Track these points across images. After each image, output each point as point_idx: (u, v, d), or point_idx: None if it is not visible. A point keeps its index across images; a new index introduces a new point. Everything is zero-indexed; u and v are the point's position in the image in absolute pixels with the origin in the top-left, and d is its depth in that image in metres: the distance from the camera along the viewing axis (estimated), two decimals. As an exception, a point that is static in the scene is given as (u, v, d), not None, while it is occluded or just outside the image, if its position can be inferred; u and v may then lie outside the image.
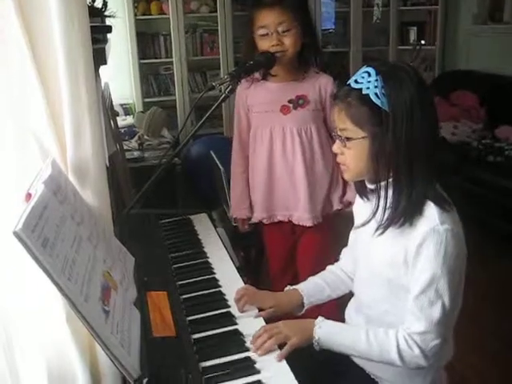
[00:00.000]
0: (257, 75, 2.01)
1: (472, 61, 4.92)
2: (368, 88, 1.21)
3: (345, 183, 2.09)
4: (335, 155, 1.34)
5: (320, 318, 1.29)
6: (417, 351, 1.20)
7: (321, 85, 2.01)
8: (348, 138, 1.26)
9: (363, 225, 1.34)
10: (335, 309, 2.13)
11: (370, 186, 1.33)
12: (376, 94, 1.20)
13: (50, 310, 1.10)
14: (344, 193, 2.11)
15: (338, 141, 1.30)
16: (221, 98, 1.73)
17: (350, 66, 5.23)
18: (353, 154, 1.27)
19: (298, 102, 2.00)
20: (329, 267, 1.61)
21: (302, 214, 2.06)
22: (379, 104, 1.20)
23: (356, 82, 1.24)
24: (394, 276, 1.29)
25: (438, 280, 1.19)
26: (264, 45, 1.91)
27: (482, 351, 2.49)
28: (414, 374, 1.34)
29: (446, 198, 1.25)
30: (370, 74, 1.22)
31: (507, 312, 2.78)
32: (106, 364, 1.12)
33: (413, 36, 5.26)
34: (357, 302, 1.49)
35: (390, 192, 1.25)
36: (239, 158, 2.15)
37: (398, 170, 1.22)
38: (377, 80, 1.20)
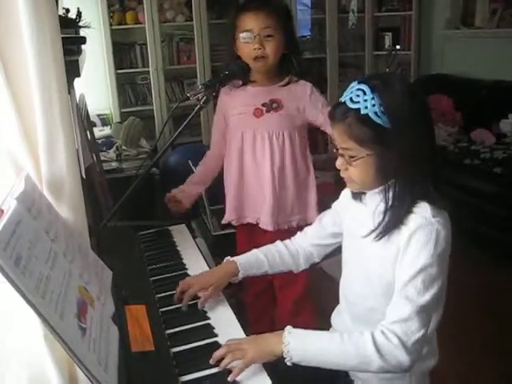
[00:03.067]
0: (236, 82, 2.02)
1: (446, 65, 4.99)
2: (366, 108, 1.19)
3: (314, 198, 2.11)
4: (338, 170, 1.33)
5: (289, 326, 1.24)
6: (395, 341, 1.15)
7: (298, 91, 2.02)
8: (352, 157, 1.25)
9: (368, 235, 1.31)
10: (312, 319, 2.15)
11: (370, 192, 1.33)
12: (375, 112, 1.19)
13: (29, 326, 1.08)
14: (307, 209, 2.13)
15: (340, 157, 1.29)
16: (196, 109, 1.73)
17: (326, 71, 5.26)
18: (358, 171, 1.27)
19: (272, 106, 2.01)
20: (277, 242, 1.63)
21: (265, 218, 2.07)
22: (380, 123, 1.19)
23: (352, 100, 1.22)
24: (384, 273, 1.29)
25: (425, 269, 1.18)
26: (246, 49, 1.92)
27: (471, 360, 2.48)
28: (398, 377, 1.32)
29: (441, 201, 1.26)
30: (364, 92, 1.20)
31: (498, 322, 2.78)
32: (86, 381, 1.10)
33: (388, 41, 5.32)
34: (343, 302, 1.50)
35: (390, 194, 1.25)
36: (207, 158, 2.20)
37: (403, 179, 1.23)
38: (373, 98, 1.19)
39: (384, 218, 1.27)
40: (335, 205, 1.55)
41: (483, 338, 2.65)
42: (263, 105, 2.01)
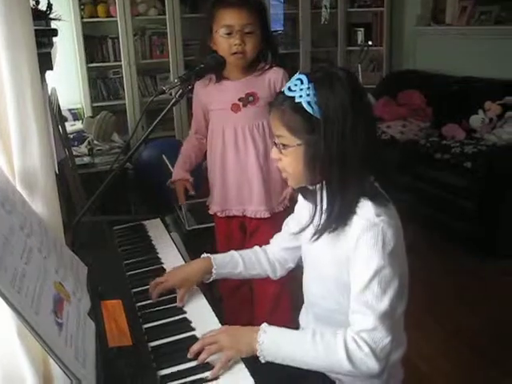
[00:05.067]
0: (212, 76, 2.03)
1: (418, 61, 5.06)
2: (300, 96, 1.21)
3: None
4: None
5: (265, 324, 1.25)
6: (366, 349, 1.16)
7: (271, 79, 2.06)
8: (284, 145, 1.27)
9: (301, 230, 1.35)
10: (288, 317, 2.16)
11: (310, 188, 1.35)
12: (308, 102, 1.20)
13: (2, 322, 1.06)
14: None
15: (274, 147, 1.31)
16: (171, 103, 1.72)
17: (299, 67, 5.28)
18: (289, 160, 1.28)
19: (248, 100, 2.04)
20: (255, 247, 1.62)
21: (257, 207, 2.12)
22: (311, 112, 1.20)
23: (289, 89, 1.24)
24: (338, 274, 1.29)
25: (379, 272, 1.18)
26: (225, 43, 1.93)
27: (450, 354, 2.50)
28: None
29: (383, 194, 1.26)
30: (302, 82, 1.22)
31: (474, 314, 2.81)
32: (61, 377, 1.09)
33: (360, 37, 5.36)
34: (306, 302, 1.51)
35: (325, 194, 1.26)
36: (188, 143, 2.22)
37: (331, 173, 1.23)
38: (309, 88, 1.21)
39: (314, 216, 1.28)
40: (296, 207, 1.56)
41: (460, 331, 2.68)
42: (240, 99, 2.04)
